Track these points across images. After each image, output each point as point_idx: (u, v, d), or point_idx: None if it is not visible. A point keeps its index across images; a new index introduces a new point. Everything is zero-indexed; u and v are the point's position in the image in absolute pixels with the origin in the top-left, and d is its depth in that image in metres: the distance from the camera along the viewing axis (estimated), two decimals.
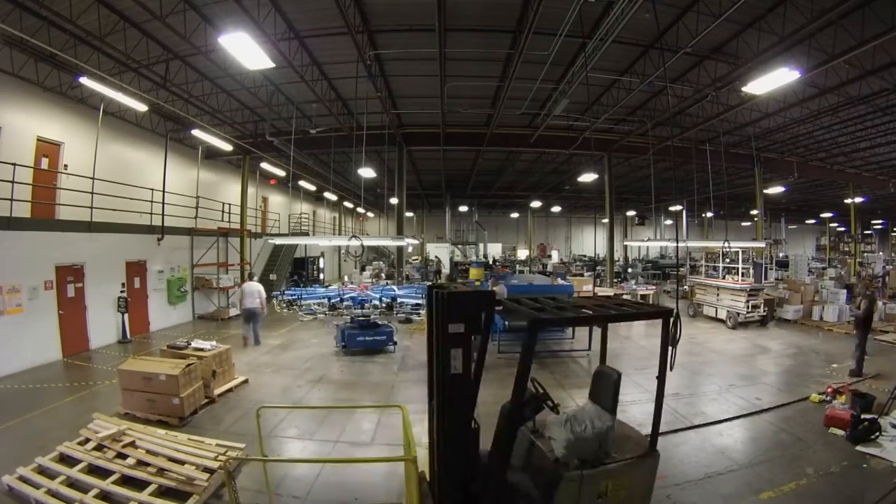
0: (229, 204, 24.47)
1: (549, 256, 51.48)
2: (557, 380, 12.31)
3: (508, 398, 4.41)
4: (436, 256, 39.84)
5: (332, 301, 15.15)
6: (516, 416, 4.68)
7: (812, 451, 8.05)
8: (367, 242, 15.62)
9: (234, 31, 10.74)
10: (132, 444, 7.46)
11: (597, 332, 14.51)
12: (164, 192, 19.16)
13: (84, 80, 14.08)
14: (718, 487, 6.98)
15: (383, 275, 28.94)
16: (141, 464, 7.02)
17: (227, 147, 22.23)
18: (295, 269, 32.20)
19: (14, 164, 13.10)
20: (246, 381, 11.74)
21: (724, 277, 23.49)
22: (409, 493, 5.28)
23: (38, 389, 11.18)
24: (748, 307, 18.90)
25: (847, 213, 38.89)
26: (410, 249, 34.89)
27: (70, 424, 8.59)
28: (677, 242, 16.64)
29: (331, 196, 39.48)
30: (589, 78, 15.39)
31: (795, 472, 7.32)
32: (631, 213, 51.78)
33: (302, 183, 33.65)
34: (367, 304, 15.07)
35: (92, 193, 15.54)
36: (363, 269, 27.65)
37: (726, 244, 18.97)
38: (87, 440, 7.60)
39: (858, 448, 8.06)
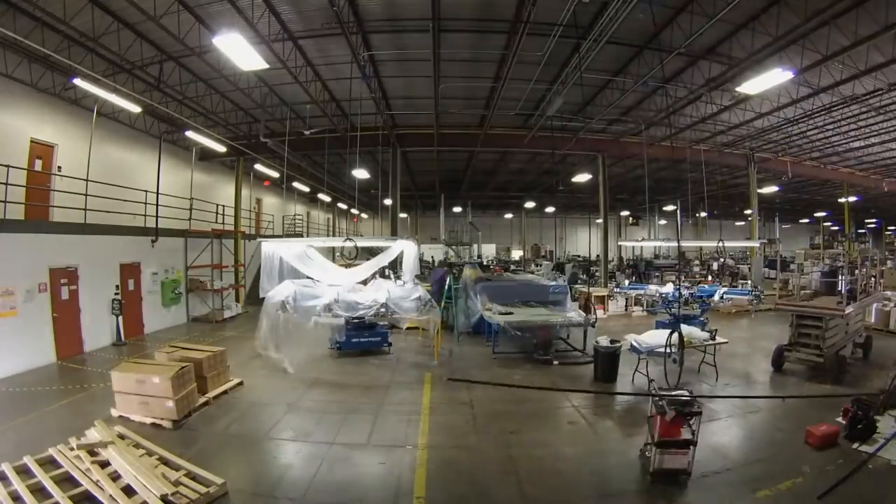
0: (223, 206, 24.37)
1: (544, 256, 51.44)
2: (553, 380, 12.34)
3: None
4: (431, 257, 39.86)
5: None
6: None
7: (808, 450, 8.06)
8: (362, 243, 15.58)
9: (228, 32, 10.72)
10: (100, 464, 7.19)
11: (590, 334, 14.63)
12: (157, 193, 19.05)
13: (78, 82, 14.02)
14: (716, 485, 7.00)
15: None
16: (116, 478, 6.87)
17: (221, 148, 22.20)
18: None
19: (8, 166, 13.01)
20: (241, 384, 11.69)
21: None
22: None
23: (31, 393, 11.10)
24: None
25: (841, 213, 39.06)
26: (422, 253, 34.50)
27: (63, 429, 8.53)
28: (679, 241, 16.60)
29: (325, 197, 39.41)
30: (583, 78, 15.45)
31: (792, 470, 7.35)
32: (625, 213, 51.88)
33: (296, 184, 33.60)
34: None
35: (86, 195, 15.44)
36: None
37: (720, 244, 19.02)
38: (73, 448, 7.46)
39: (854, 447, 8.08)
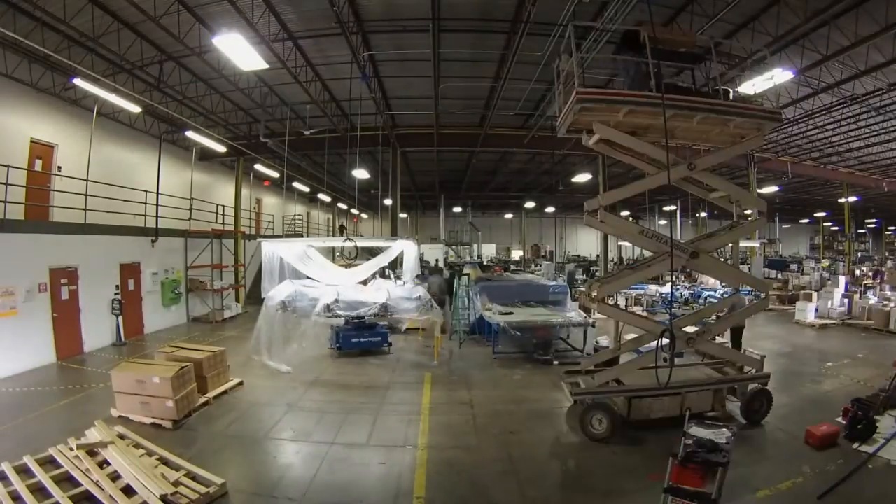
0: (223, 206, 24.37)
1: (544, 256, 51.46)
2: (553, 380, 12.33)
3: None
4: (435, 260, 39.92)
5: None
6: None
7: (808, 450, 8.06)
8: (361, 243, 15.60)
9: (228, 32, 10.73)
10: (100, 464, 7.21)
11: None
12: (157, 193, 19.07)
13: (78, 82, 14.04)
14: None
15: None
16: (116, 478, 6.89)
17: (221, 148, 22.21)
18: None
19: (7, 166, 13.01)
20: (241, 384, 11.69)
21: None
22: None
23: (31, 393, 11.10)
24: None
25: (841, 213, 39.03)
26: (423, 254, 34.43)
27: (63, 429, 8.55)
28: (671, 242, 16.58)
29: (325, 197, 39.43)
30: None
31: (792, 470, 7.35)
32: (625, 213, 51.83)
33: (296, 184, 33.62)
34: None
35: (86, 195, 15.45)
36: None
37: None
38: (72, 448, 7.45)
39: (854, 447, 8.08)
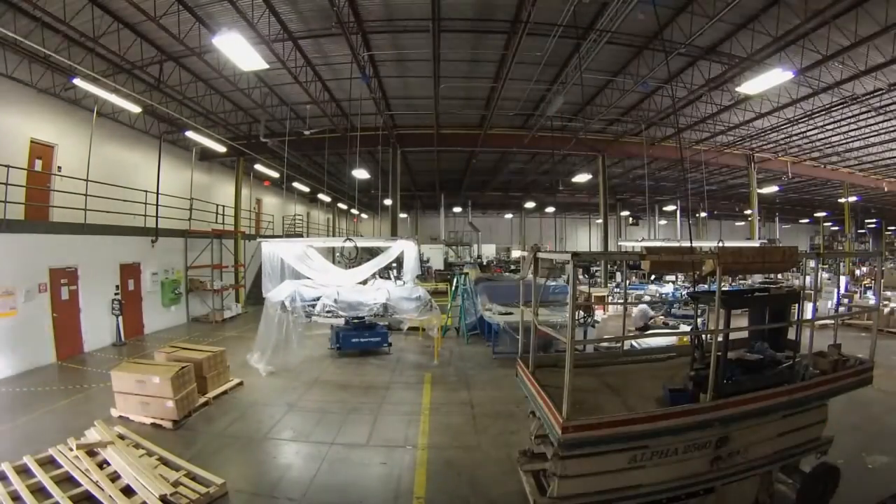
0: (223, 206, 24.37)
1: None
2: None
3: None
4: (427, 258, 39.87)
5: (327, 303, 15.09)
6: None
7: None
8: (362, 244, 15.59)
9: (228, 33, 10.71)
10: (100, 464, 7.20)
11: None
12: (157, 193, 19.08)
13: (78, 82, 14.03)
14: None
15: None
16: (116, 478, 6.89)
17: (221, 148, 22.21)
18: None
19: (7, 167, 12.99)
20: (241, 384, 11.69)
21: None
22: None
23: (31, 393, 11.09)
24: None
25: (841, 213, 39.03)
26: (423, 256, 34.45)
27: (63, 429, 8.54)
28: (698, 237, 16.60)
29: (325, 198, 39.43)
30: (583, 78, 15.44)
31: None
32: (625, 213, 51.87)
33: (296, 185, 33.62)
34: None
35: (86, 195, 15.43)
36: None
37: (720, 243, 18.99)
38: (72, 448, 7.43)
39: None
